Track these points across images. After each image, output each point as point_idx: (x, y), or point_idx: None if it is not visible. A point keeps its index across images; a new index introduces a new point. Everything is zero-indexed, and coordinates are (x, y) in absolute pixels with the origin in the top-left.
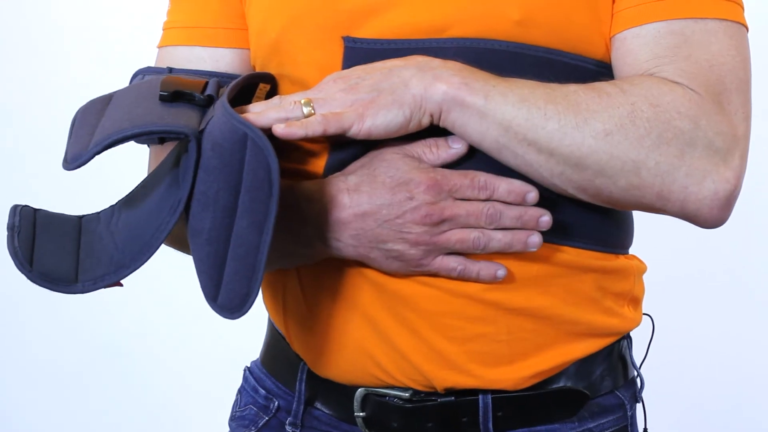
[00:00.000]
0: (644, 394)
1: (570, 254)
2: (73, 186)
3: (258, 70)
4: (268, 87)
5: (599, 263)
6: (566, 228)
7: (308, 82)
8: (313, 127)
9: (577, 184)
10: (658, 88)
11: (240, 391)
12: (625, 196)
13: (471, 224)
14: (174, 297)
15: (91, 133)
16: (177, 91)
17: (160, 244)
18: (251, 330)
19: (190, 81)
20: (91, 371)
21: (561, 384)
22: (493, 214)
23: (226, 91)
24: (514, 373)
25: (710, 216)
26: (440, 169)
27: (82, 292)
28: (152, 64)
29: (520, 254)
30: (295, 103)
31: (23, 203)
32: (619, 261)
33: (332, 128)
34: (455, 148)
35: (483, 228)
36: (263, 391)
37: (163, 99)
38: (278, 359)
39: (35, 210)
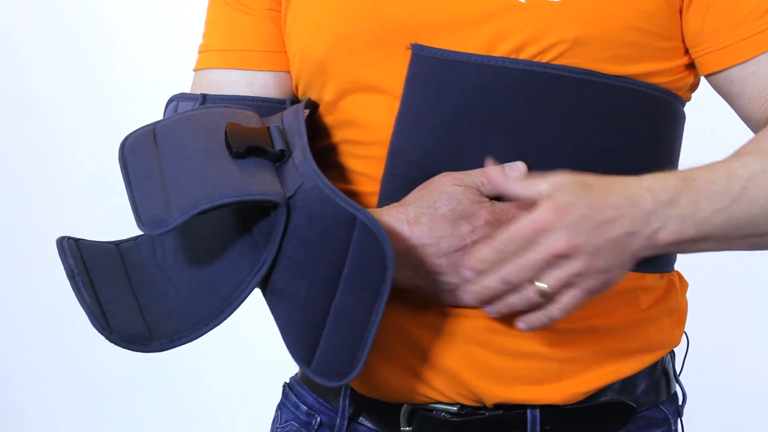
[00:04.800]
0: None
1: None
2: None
3: (301, 90)
4: (307, 112)
5: (651, 283)
6: None
7: (356, 101)
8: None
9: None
10: None
11: (280, 407)
12: None
13: None
14: None
15: (162, 188)
16: (250, 147)
17: (241, 303)
18: None
19: (255, 130)
20: (130, 387)
21: (607, 398)
22: None
23: (307, 153)
24: (563, 390)
25: None
26: (497, 202)
27: (160, 351)
28: (182, 86)
29: None
30: (534, 291)
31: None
32: (666, 279)
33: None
34: (513, 178)
35: None
36: (305, 407)
37: (237, 156)
38: None
39: (76, 241)
